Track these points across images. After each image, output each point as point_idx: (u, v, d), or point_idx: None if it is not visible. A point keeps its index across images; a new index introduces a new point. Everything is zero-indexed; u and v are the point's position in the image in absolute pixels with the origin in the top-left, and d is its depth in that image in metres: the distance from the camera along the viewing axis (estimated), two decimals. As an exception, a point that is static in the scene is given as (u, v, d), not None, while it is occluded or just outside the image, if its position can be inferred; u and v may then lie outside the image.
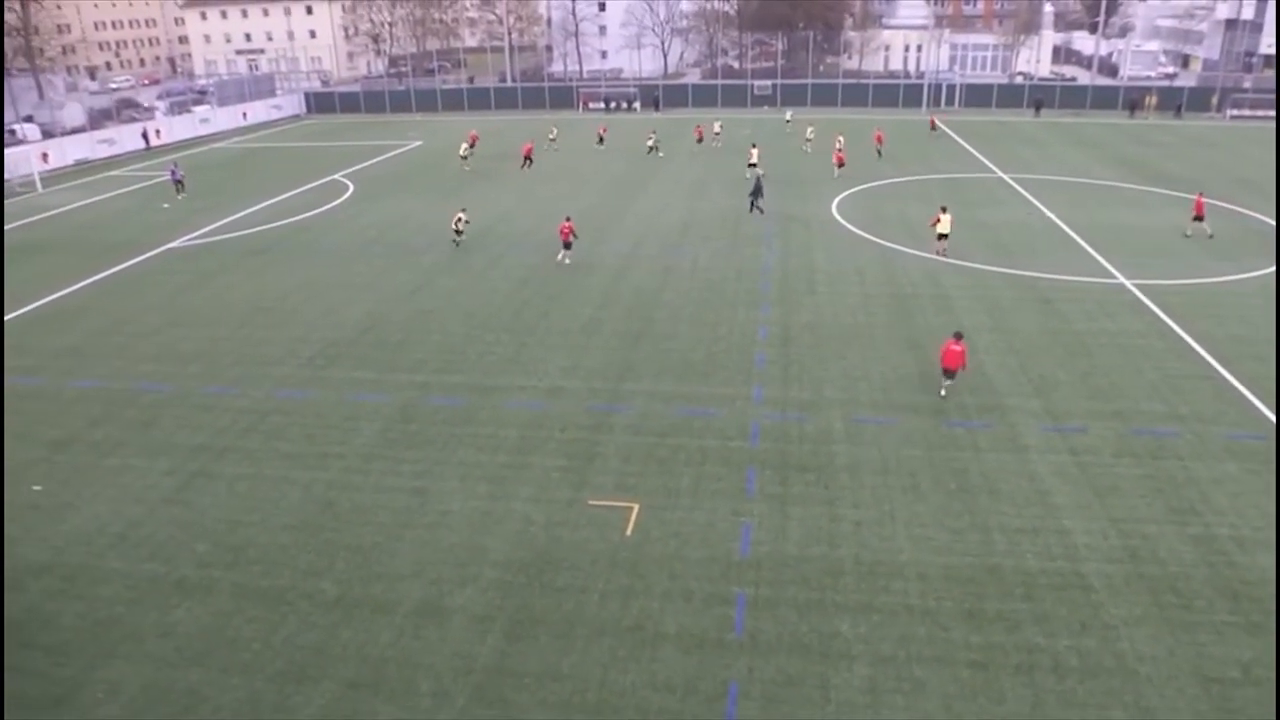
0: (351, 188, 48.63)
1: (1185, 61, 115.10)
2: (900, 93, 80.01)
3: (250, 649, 13.93)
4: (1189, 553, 16.09)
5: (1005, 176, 48.50)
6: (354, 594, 15.11)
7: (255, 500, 17.95)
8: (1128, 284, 30.39)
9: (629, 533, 16.62)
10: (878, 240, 35.07)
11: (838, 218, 39.31)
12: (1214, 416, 21.06)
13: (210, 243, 37.80)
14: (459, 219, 35.39)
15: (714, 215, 39.92)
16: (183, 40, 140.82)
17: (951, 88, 79.20)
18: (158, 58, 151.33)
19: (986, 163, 52.95)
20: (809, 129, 58.77)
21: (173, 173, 48.19)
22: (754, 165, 46.93)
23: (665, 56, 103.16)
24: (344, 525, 17.03)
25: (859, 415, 21.03)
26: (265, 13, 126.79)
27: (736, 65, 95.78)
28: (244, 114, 77.12)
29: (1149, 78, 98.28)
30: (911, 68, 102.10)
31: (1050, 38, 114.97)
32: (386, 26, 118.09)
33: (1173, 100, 76.98)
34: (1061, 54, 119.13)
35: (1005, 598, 14.91)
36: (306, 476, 18.75)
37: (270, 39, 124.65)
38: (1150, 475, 18.52)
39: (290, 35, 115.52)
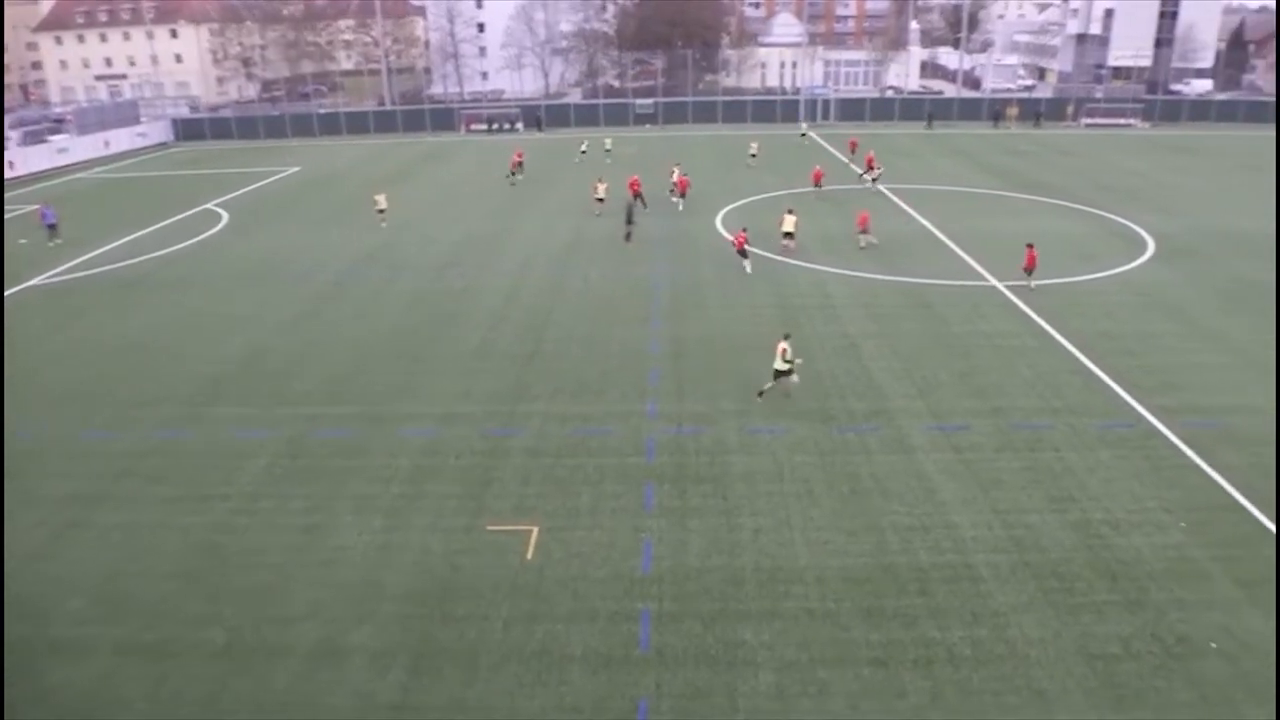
0: (226, 217, 46.98)
1: (1042, 74, 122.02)
2: (778, 108, 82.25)
3: (134, 709, 13.21)
4: (1069, 538, 16.94)
5: (882, 187, 50.28)
6: (245, 640, 14.53)
7: (134, 549, 17.07)
8: (1000, 286, 31.89)
9: (530, 556, 16.49)
10: (762, 252, 35.84)
11: (723, 232, 40.03)
12: (1085, 409, 22.28)
13: (76, 279, 35.91)
14: (377, 201, 37.54)
15: (602, 234, 40.11)
16: (36, 66, 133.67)
17: (826, 103, 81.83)
18: (9, 85, 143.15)
19: (859, 172, 54.68)
20: (752, 144, 59.20)
21: (44, 215, 42.40)
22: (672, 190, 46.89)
23: (546, 77, 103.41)
24: (231, 569, 16.37)
25: (752, 425, 21.42)
26: (126, 36, 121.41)
27: (618, 84, 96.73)
28: (106, 142, 73.64)
29: (1010, 90, 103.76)
30: (788, 84, 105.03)
31: (917, 53, 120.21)
32: (258, 50, 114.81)
33: (1033, 110, 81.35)
34: (928, 68, 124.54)
35: (901, 594, 15.39)
36: (189, 521, 17.96)
37: (133, 64, 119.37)
38: (1030, 467, 19.44)
39: (154, 59, 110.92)
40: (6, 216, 49.48)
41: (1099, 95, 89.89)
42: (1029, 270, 31.08)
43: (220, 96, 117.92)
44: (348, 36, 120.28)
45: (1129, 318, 28.83)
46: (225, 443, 21.12)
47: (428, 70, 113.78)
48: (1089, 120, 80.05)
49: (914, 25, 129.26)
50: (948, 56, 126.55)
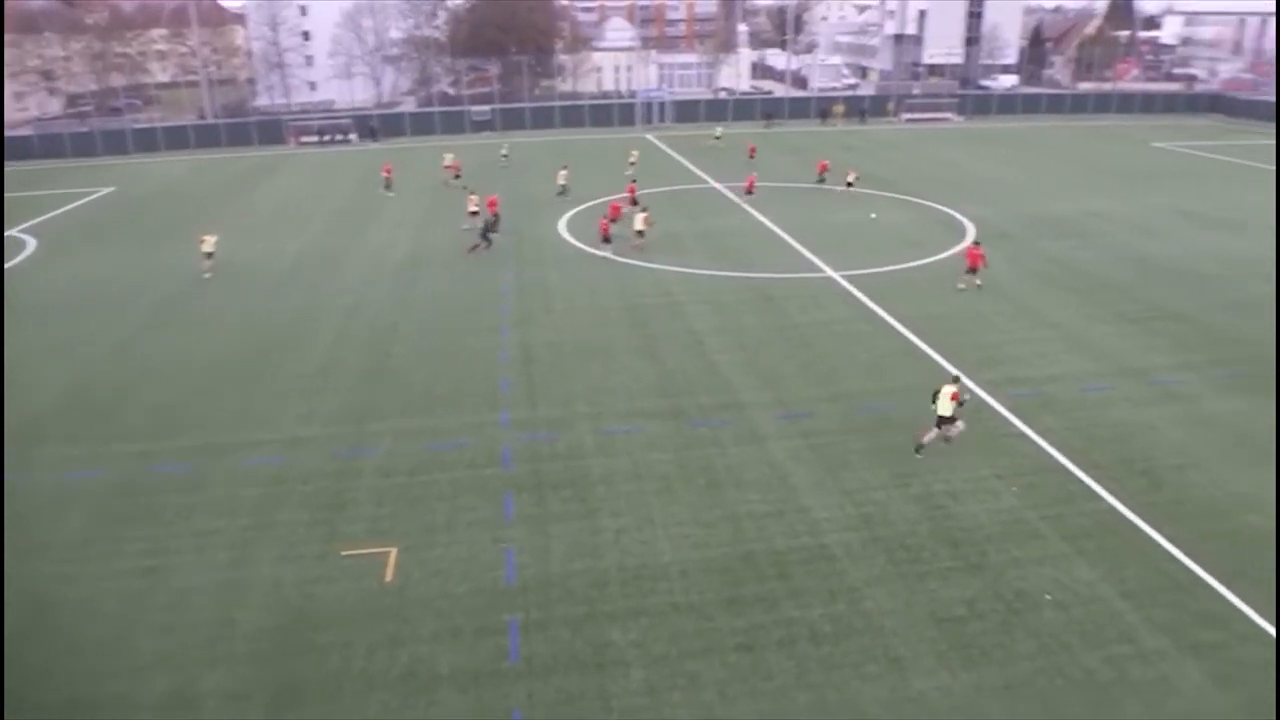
0: (33, 243, 43.52)
1: (864, 73, 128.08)
2: (615, 112, 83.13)
3: (-46, 782, 12.11)
4: (913, 511, 17.89)
5: (720, 186, 51.62)
6: (86, 697, 13.53)
7: (-56, 611, 15.62)
8: (836, 276, 33.33)
9: (389, 578, 16.08)
10: (607, 255, 36.18)
11: (567, 236, 40.16)
12: (919, 387, 23.42)
13: None
14: (204, 241, 34.61)
15: (446, 245, 39.47)
16: None
17: (662, 105, 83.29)
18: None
19: (702, 175, 56.07)
20: (633, 152, 59.28)
21: None
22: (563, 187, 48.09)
23: (378, 85, 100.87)
24: (63, 623, 15.21)
25: (607, 427, 21.59)
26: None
27: (453, 92, 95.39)
28: (-115, 170, 66.97)
29: (835, 88, 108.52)
30: (623, 87, 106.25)
31: (747, 55, 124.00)
32: (60, 62, 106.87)
33: (857, 108, 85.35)
34: (759, 69, 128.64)
35: (761, 580, 15.86)
36: (13, 575, 16.56)
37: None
38: (873, 448, 20.41)
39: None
40: None
41: (917, 92, 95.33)
42: (973, 270, 31.45)
43: (20, 113, 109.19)
44: (161, 47, 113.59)
45: (954, 299, 30.67)
46: (50, 486, 19.59)
47: (252, 81, 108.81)
48: (909, 115, 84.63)
49: (742, 28, 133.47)
50: (776, 58, 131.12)
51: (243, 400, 23.63)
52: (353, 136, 77.28)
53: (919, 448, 19.96)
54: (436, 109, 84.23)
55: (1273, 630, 14.45)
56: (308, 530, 17.58)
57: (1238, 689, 13.32)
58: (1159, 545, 16.76)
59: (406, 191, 51.39)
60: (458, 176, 53.11)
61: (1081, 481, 18.98)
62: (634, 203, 43.25)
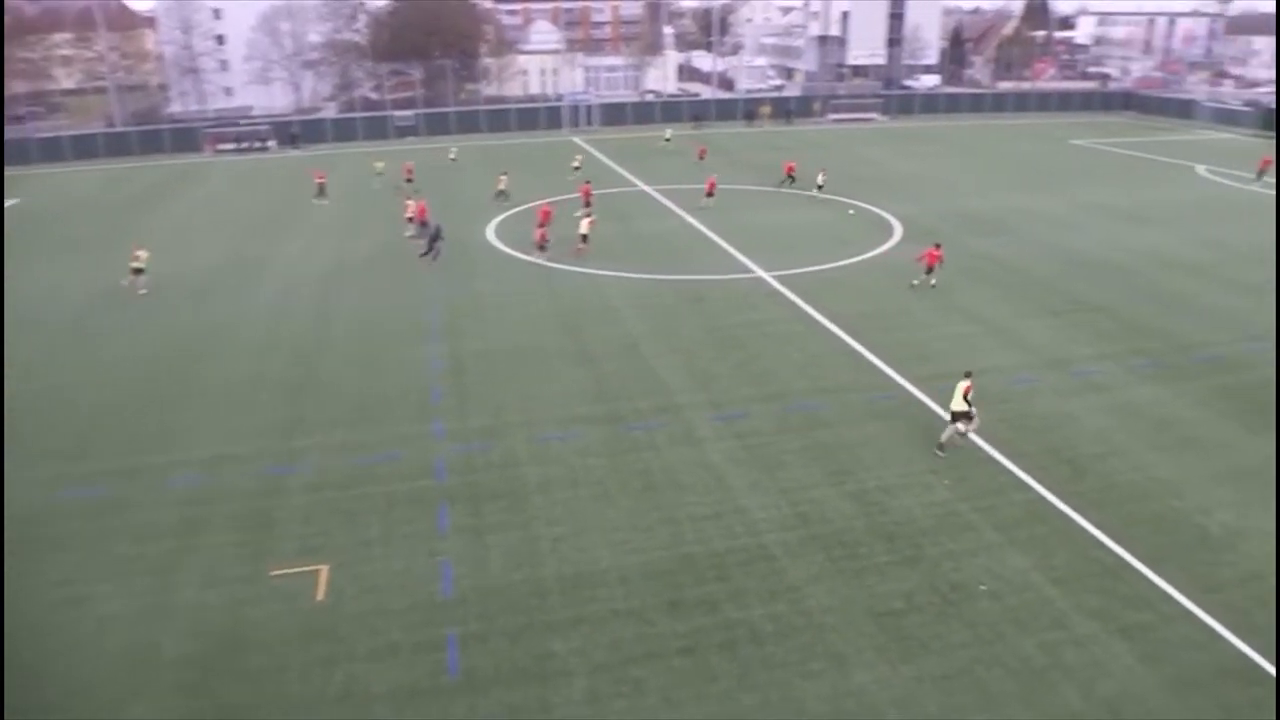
0: (-70, 262, 41.67)
1: (790, 74, 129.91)
2: (541, 115, 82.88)
3: None
4: (849, 508, 18.18)
5: (649, 189, 51.85)
6: (-6, 735, 12.98)
7: None
8: (766, 277, 33.72)
9: (321, 597, 15.77)
10: (537, 260, 36.05)
11: (496, 242, 39.89)
12: (853, 385, 23.99)
13: None
14: (136, 257, 33.42)
15: (374, 253, 38.90)
16: None
17: (589, 108, 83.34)
18: None
19: (630, 177, 56.25)
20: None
21: None
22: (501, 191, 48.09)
23: (297, 91, 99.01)
24: (-30, 657, 14.57)
25: (542, 434, 21.50)
26: None
27: (375, 97, 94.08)
28: None
29: (762, 90, 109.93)
30: (550, 91, 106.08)
31: (674, 57, 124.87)
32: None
33: (784, 109, 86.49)
34: (685, 72, 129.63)
35: (701, 582, 15.94)
36: (-89, 610, 15.81)
37: None
38: (808, 446, 20.69)
39: None
40: None
41: (842, 92, 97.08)
42: (930, 269, 31.95)
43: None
44: (66, 52, 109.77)
45: (885, 297, 31.29)
46: (-50, 517, 18.75)
47: (164, 87, 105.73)
48: (835, 116, 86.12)
49: (668, 30, 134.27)
50: (702, 59, 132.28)
51: (164, 418, 22.92)
52: (272, 144, 75.66)
53: (940, 447, 20.26)
54: (359, 114, 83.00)
55: (1197, 609, 15.04)
56: (234, 551, 17.14)
57: (1165, 667, 13.82)
58: (1086, 532, 17.30)
59: (333, 199, 50.49)
60: (410, 180, 52.65)
61: (1011, 472, 19.50)
62: (587, 204, 43.57)
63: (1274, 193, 49.09)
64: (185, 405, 23.67)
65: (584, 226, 37.07)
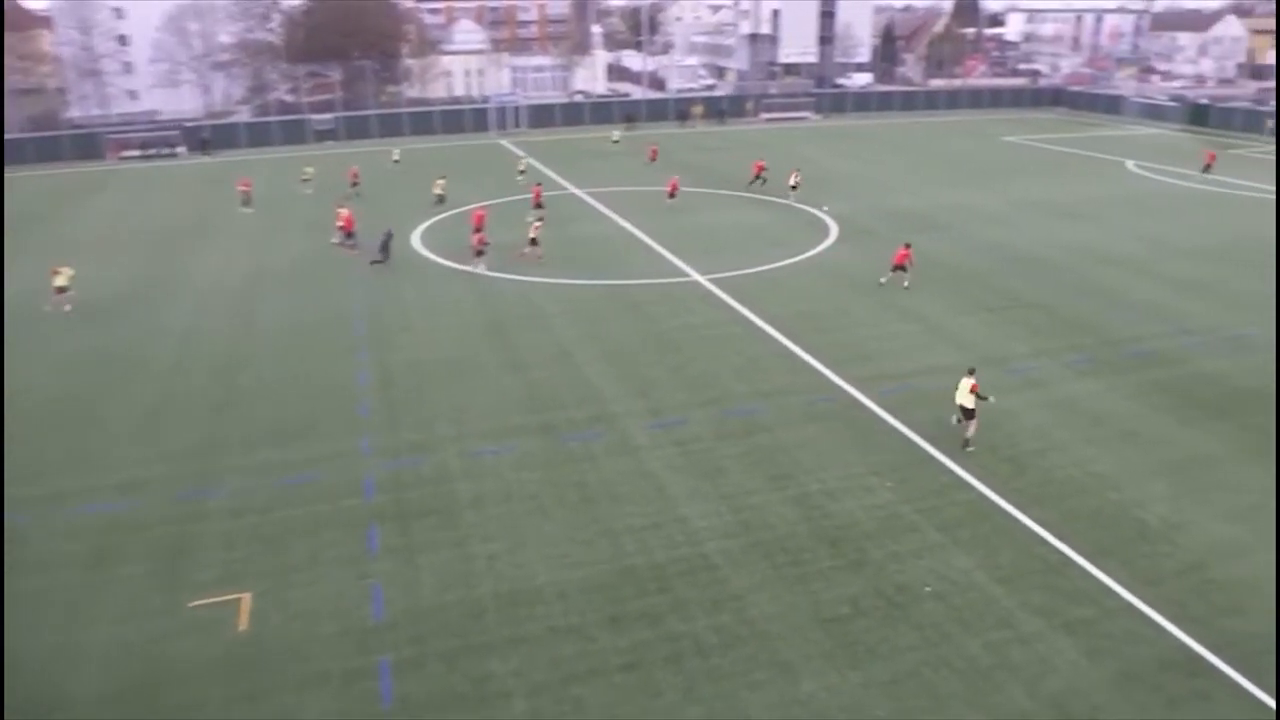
0: None
1: (721, 73, 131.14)
2: (467, 118, 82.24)
3: None
4: (790, 513, 18.37)
5: (580, 192, 51.81)
6: (-114, 789, 12.39)
7: None
8: (702, 280, 33.96)
9: (243, 626, 15.38)
10: (465, 267, 35.75)
11: (422, 249, 39.45)
12: (791, 388, 24.26)
13: None
14: (58, 274, 32.20)
15: (296, 262, 38.14)
16: None
17: (516, 110, 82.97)
18: None
19: (561, 181, 56.13)
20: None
21: None
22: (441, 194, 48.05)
23: (208, 94, 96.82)
24: None
25: (474, 448, 21.31)
26: None
27: (292, 99, 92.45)
28: None
29: (693, 89, 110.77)
30: (475, 92, 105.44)
31: (603, 57, 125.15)
32: None
33: (716, 108, 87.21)
34: (615, 71, 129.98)
35: (642, 595, 15.94)
36: None
37: None
38: (748, 451, 20.86)
39: None
40: None
41: (775, 91, 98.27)
42: (900, 267, 32.43)
43: None
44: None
45: (822, 298, 31.75)
46: None
47: (62, 90, 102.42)
48: (768, 115, 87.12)
49: (596, 29, 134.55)
50: (632, 59, 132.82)
51: (72, 443, 22.12)
52: (181, 149, 73.80)
53: (965, 444, 20.76)
54: (274, 118, 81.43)
55: (1139, 602, 15.52)
56: (150, 582, 16.61)
57: (1110, 661, 14.22)
58: (1028, 528, 17.74)
59: (256, 207, 49.36)
60: (356, 184, 51.99)
61: (952, 472, 19.90)
62: (539, 205, 43.62)
63: (1216, 189, 51.07)
64: (97, 428, 22.90)
65: (534, 230, 36.85)
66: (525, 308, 31.21)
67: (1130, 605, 15.49)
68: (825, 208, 45.62)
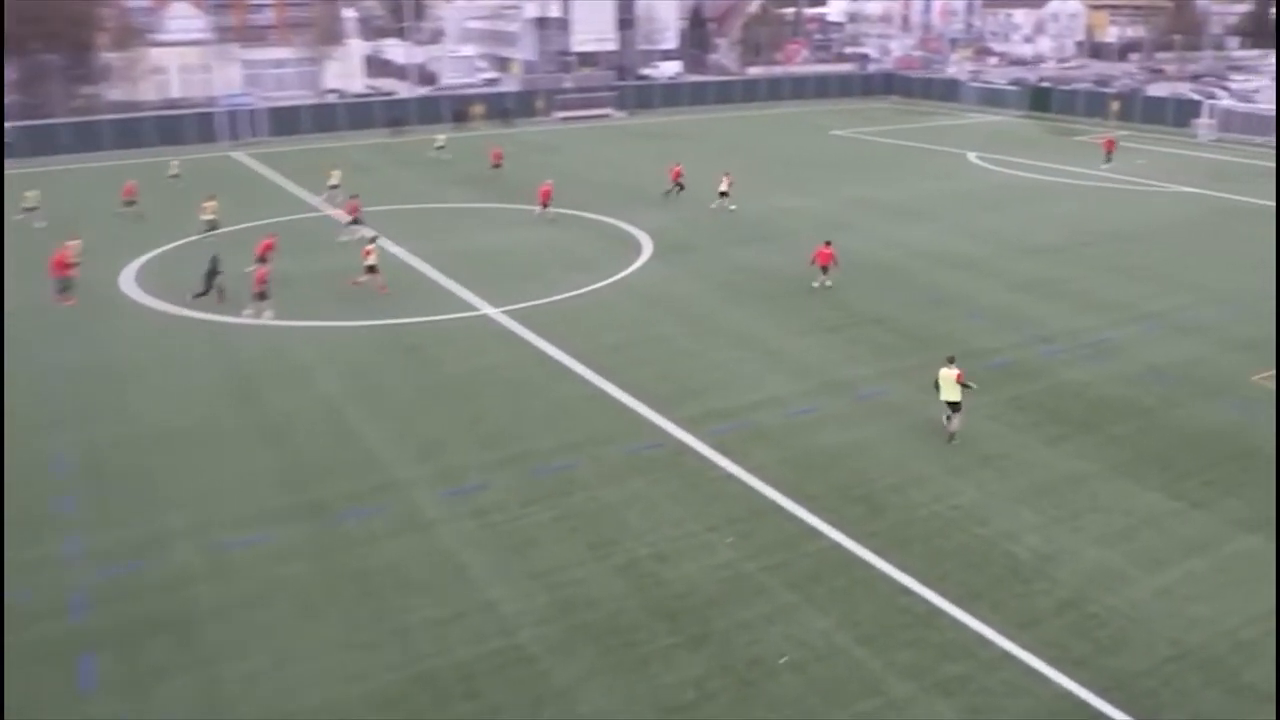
0: None
1: (505, 64, 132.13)
2: (190, 125, 78.85)
3: None
4: (618, 585, 18.43)
5: (333, 213, 50.73)
6: None
7: None
8: (493, 313, 33.90)
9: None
10: (196, 315, 34.16)
11: (137, 294, 37.42)
12: (608, 435, 24.47)
13: None
14: None
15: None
16: None
17: (252, 114, 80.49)
18: None
19: (313, 201, 54.76)
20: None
21: None
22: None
23: None
24: None
25: (219, 539, 20.30)
26: None
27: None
28: None
29: (472, 85, 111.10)
30: (199, 94, 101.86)
31: (359, 48, 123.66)
32: None
33: (500, 107, 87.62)
34: (375, 65, 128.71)
35: (445, 705, 15.54)
36: None
37: None
38: (562, 516, 20.85)
39: None
40: None
41: (569, 85, 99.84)
42: (824, 268, 34.96)
43: None
44: None
45: (636, 326, 32.32)
46: None
47: None
48: (563, 114, 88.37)
49: (350, 14, 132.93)
50: (395, 50, 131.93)
51: None
52: None
53: (951, 437, 23.24)
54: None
55: (1016, 648, 16.42)
56: None
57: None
58: (890, 577, 18.49)
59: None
60: (132, 203, 50.08)
61: (800, 519, 20.54)
62: (357, 222, 43.39)
63: (1114, 176, 55.47)
64: None
65: (370, 256, 35.92)
66: (276, 360, 30.14)
67: (1007, 653, 16.34)
68: (732, 207, 47.13)
